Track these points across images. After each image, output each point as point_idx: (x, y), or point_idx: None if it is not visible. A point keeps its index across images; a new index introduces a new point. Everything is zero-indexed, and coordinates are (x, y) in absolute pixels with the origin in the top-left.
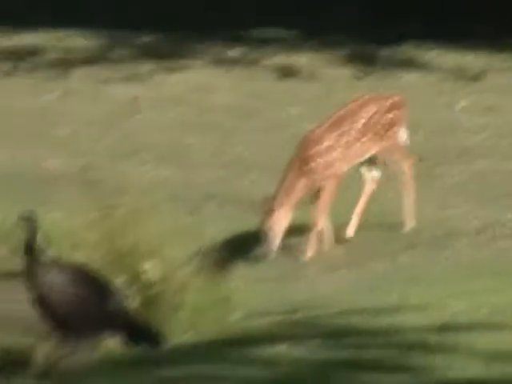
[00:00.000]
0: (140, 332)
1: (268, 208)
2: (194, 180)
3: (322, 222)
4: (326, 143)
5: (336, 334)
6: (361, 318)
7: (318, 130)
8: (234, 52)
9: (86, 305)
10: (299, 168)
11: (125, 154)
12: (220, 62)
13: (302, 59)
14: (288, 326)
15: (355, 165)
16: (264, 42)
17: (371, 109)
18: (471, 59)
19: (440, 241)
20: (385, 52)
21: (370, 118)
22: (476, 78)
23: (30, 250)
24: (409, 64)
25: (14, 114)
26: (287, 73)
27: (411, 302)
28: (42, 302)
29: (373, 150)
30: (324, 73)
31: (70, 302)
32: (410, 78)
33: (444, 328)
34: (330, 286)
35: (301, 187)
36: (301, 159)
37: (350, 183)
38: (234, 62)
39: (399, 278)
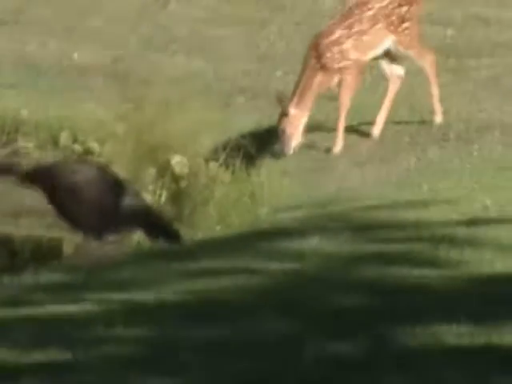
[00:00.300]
0: (159, 228)
1: (283, 107)
2: (225, 72)
3: (345, 115)
4: (337, 33)
5: (365, 228)
6: (390, 211)
7: (330, 24)
8: None
9: (101, 203)
10: (314, 64)
11: (156, 46)
12: None
13: None
14: (317, 219)
15: (372, 57)
16: None
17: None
18: None
19: (470, 135)
20: None
21: (383, 7)
22: None
23: None
24: None
25: (43, 5)
26: None
27: (440, 196)
28: (56, 201)
29: (387, 42)
30: None
31: (86, 200)
32: None
33: (473, 222)
34: (359, 180)
35: (317, 83)
36: (314, 53)
37: (378, 83)
38: None
39: (428, 172)
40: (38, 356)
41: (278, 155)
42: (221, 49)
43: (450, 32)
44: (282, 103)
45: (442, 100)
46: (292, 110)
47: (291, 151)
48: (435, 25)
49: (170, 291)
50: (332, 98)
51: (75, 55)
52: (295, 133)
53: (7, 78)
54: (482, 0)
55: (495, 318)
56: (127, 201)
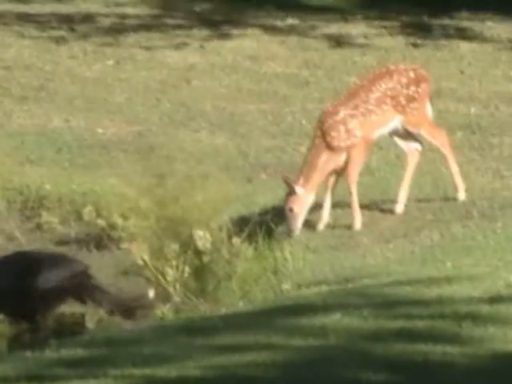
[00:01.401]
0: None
1: (290, 187)
2: (248, 148)
3: (356, 191)
4: (343, 112)
5: (387, 304)
6: (413, 288)
7: (335, 103)
8: (288, 21)
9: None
10: (320, 143)
11: (179, 121)
12: (274, 30)
13: (356, 28)
14: (340, 295)
15: (380, 135)
16: (318, 11)
17: (393, 79)
18: None
19: (494, 212)
20: (439, 21)
21: (391, 88)
22: None
23: None
24: (464, 34)
25: (69, 80)
26: (342, 42)
27: (463, 273)
28: None
29: (395, 122)
30: (378, 42)
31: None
32: (465, 47)
33: (496, 299)
34: (382, 256)
35: (323, 162)
36: (321, 132)
37: (401, 159)
38: (288, 31)
39: (452, 248)
40: None
41: (287, 235)
42: (243, 125)
43: (473, 109)
44: (289, 182)
45: (465, 177)
46: (299, 190)
47: (298, 231)
48: (459, 102)
49: (193, 366)
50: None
51: (99, 130)
52: (302, 212)
53: (31, 152)
54: (505, 78)
55: None
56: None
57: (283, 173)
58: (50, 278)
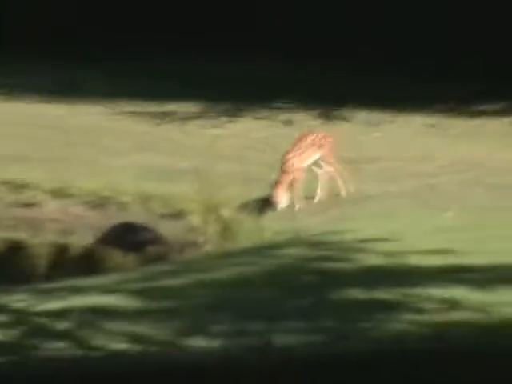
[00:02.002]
0: None
1: (272, 188)
2: None
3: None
4: (291, 154)
5: None
6: None
7: (289, 150)
8: None
9: None
10: (283, 169)
11: None
12: None
13: None
14: None
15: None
16: None
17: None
18: None
19: None
20: None
21: (312, 140)
22: None
23: None
24: None
25: None
26: None
27: None
28: None
29: (316, 156)
30: None
31: None
32: None
33: None
34: None
35: (285, 177)
36: (282, 166)
37: None
38: None
39: None
40: None
41: (272, 209)
42: None
43: None
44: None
45: None
46: (277, 189)
47: (279, 207)
48: None
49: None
50: None
51: None
52: (281, 201)
53: None
54: None
55: None
56: None
57: None
58: None
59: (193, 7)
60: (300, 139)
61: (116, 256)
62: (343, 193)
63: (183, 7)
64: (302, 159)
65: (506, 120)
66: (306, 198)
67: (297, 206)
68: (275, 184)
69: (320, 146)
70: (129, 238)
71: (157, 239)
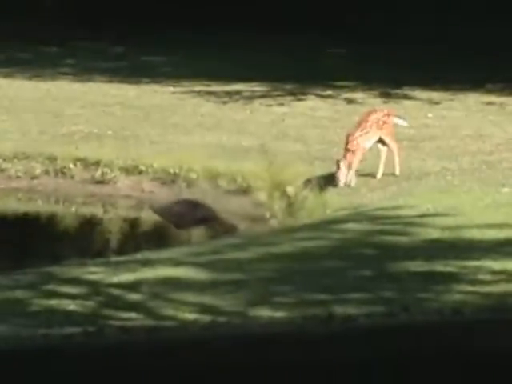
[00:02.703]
0: None
1: (336, 166)
2: None
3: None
4: (356, 133)
5: None
6: None
7: (353, 128)
8: None
9: None
10: (347, 148)
11: None
12: None
13: None
14: None
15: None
16: None
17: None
18: None
19: None
20: None
21: (374, 119)
22: None
23: None
24: None
25: None
26: None
27: None
28: None
29: (378, 134)
30: None
31: None
32: None
33: None
34: None
35: (349, 155)
36: (347, 144)
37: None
38: None
39: None
40: None
41: (335, 184)
42: None
43: None
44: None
45: None
46: (341, 165)
47: (341, 184)
48: None
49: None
50: None
51: None
52: (343, 176)
53: None
54: None
55: None
56: None
57: None
58: None
59: None
60: (363, 118)
61: (185, 230)
62: (398, 171)
63: None
64: (366, 138)
65: None
66: (367, 174)
67: (353, 183)
68: (338, 162)
69: (383, 124)
70: (187, 215)
71: (213, 217)
